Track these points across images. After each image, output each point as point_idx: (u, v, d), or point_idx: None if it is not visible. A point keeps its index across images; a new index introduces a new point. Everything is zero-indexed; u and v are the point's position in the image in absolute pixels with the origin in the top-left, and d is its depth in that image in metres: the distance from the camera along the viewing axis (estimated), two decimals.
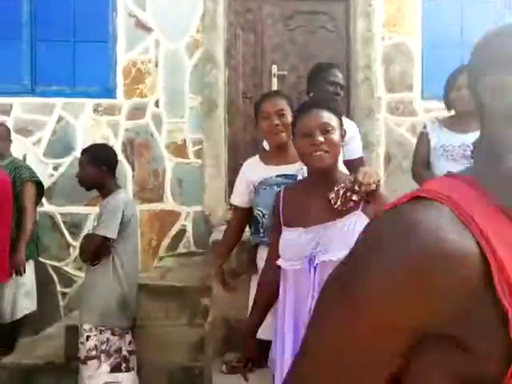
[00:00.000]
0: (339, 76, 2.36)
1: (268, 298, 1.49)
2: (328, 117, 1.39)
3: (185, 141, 3.45)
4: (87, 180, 2.19)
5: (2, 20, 3.41)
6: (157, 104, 3.43)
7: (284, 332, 1.36)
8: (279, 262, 1.39)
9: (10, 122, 3.27)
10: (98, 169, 2.15)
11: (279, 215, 1.45)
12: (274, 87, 3.58)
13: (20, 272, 2.74)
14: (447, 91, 2.31)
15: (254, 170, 1.90)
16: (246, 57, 3.61)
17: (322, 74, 2.33)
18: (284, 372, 1.37)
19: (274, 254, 1.47)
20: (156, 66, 3.43)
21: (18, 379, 2.48)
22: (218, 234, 2.77)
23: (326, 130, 1.37)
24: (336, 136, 1.39)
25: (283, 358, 1.35)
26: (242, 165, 3.53)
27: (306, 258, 1.32)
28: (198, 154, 3.45)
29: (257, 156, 2.01)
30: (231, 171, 3.56)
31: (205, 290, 2.53)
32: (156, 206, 3.42)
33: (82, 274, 3.37)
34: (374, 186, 1.36)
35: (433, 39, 3.56)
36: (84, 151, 2.24)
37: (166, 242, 3.45)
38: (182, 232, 3.46)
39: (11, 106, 3.38)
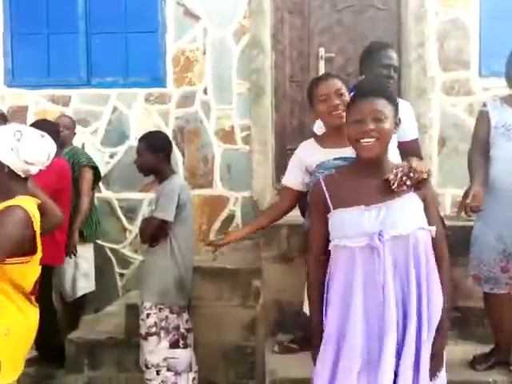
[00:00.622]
0: (393, 57, 2.27)
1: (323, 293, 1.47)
2: (383, 105, 1.37)
3: (233, 127, 3.49)
4: (144, 166, 2.28)
5: (59, 14, 3.59)
6: (205, 91, 3.49)
7: (350, 305, 1.36)
8: (339, 242, 1.39)
9: (69, 113, 3.46)
10: (155, 155, 2.24)
11: (325, 202, 1.44)
12: (322, 70, 3.52)
13: (72, 253, 2.85)
14: (509, 67, 2.16)
15: (310, 153, 1.89)
16: (293, 40, 3.57)
17: (375, 56, 2.25)
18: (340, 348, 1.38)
19: (317, 247, 1.48)
20: (204, 53, 3.48)
21: (83, 353, 2.68)
22: None
23: (378, 118, 1.36)
24: (388, 125, 1.37)
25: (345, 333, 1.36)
26: (289, 150, 3.59)
27: (374, 234, 1.32)
28: (246, 140, 3.49)
29: (312, 139, 1.99)
30: (278, 156, 3.58)
31: (256, 273, 2.58)
32: (206, 192, 3.51)
33: (138, 257, 3.58)
34: (426, 174, 1.41)
35: (491, 10, 3.33)
36: (141, 139, 2.32)
37: (216, 226, 3.54)
38: (231, 217, 3.54)
39: (70, 97, 3.57)
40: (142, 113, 3.54)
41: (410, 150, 2.05)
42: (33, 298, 1.58)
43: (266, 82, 3.44)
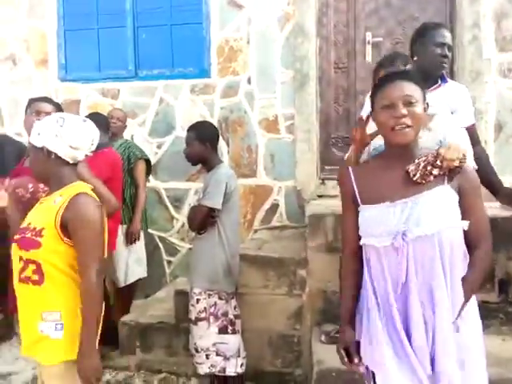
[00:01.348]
0: (447, 36, 2.15)
1: (356, 287, 1.43)
2: (412, 88, 1.30)
3: (276, 116, 3.48)
4: (193, 155, 2.33)
5: (108, 10, 3.70)
6: (249, 81, 3.49)
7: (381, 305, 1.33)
8: (366, 241, 1.35)
9: (118, 106, 3.58)
10: (203, 145, 2.28)
11: (354, 195, 1.39)
12: (369, 55, 3.42)
13: (134, 240, 3.02)
14: None
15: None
16: (338, 25, 3.48)
17: (428, 35, 2.14)
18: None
19: (351, 238, 1.42)
20: (248, 42, 3.47)
21: (135, 335, 2.80)
22: (313, 208, 2.80)
23: (409, 102, 1.28)
24: (419, 109, 1.30)
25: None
26: (334, 138, 3.53)
27: (397, 234, 1.27)
28: (290, 129, 3.46)
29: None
30: (323, 145, 3.53)
31: (301, 262, 2.58)
32: (250, 181, 3.53)
33: (185, 244, 3.68)
34: (458, 162, 1.28)
35: None
36: (190, 129, 2.37)
37: (260, 215, 3.56)
38: (275, 206, 3.54)
39: (119, 90, 3.69)
40: (187, 104, 3.60)
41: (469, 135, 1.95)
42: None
43: (310, 69, 3.39)
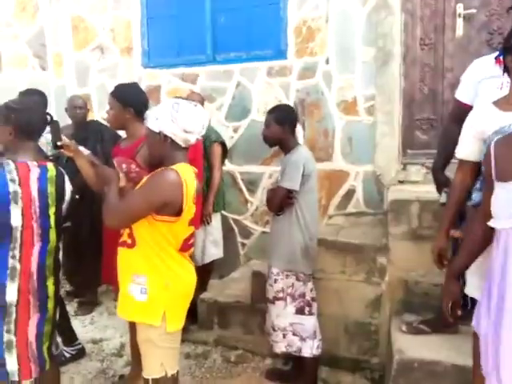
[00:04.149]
0: None
1: (476, 250, 1.42)
2: None
3: (355, 97, 3.35)
4: (270, 137, 2.32)
5: None
6: (327, 61, 3.39)
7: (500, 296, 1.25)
8: (494, 224, 1.25)
9: (197, 90, 3.66)
10: (281, 127, 2.26)
11: (490, 170, 1.30)
12: (459, 29, 3.15)
13: (207, 221, 3.09)
14: None
15: (487, 117, 1.65)
16: None
17: None
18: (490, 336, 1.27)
19: (485, 212, 1.34)
20: (326, 21, 3.36)
21: (213, 312, 2.90)
22: (395, 194, 2.67)
23: None
24: None
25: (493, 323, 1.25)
26: (418, 120, 3.32)
27: None
28: (370, 111, 3.31)
29: (490, 102, 1.72)
30: (406, 128, 3.34)
31: (381, 249, 2.48)
32: (325, 166, 3.45)
33: (259, 227, 3.72)
34: None
35: None
36: (269, 111, 2.36)
37: (336, 201, 3.48)
38: (352, 192, 3.44)
39: (197, 75, 3.78)
40: (263, 87, 3.59)
41: None
42: (187, 255, 1.74)
43: (393, 46, 3.20)
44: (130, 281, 1.64)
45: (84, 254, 3.17)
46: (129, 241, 1.65)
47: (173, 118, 1.60)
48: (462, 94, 2.06)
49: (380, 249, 2.49)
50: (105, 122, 3.58)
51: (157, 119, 1.61)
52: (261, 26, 3.59)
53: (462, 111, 1.96)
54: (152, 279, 1.61)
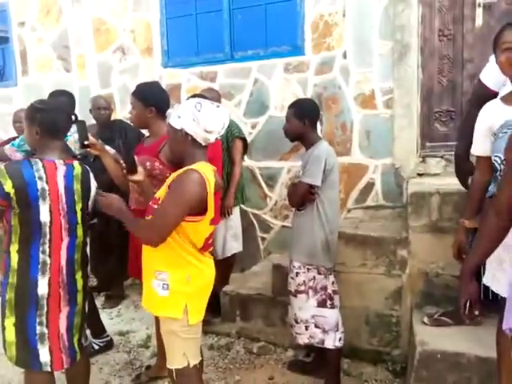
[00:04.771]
0: None
1: (490, 246, 1.40)
2: None
3: (373, 91, 3.34)
4: (291, 132, 2.34)
5: None
6: (344, 55, 3.39)
7: None
8: None
9: (215, 88, 3.72)
10: (301, 122, 2.28)
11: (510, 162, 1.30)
12: (479, 19, 3.11)
13: (228, 213, 3.13)
14: None
15: (494, 112, 1.68)
16: None
17: None
18: None
19: (500, 206, 1.34)
20: (343, 15, 3.36)
21: (236, 305, 2.97)
22: (415, 186, 2.66)
23: None
24: None
25: None
26: (437, 113, 3.30)
27: None
28: (388, 104, 3.31)
29: (498, 98, 1.77)
30: (424, 121, 3.32)
31: (401, 242, 2.49)
32: (344, 160, 3.45)
33: (278, 222, 3.76)
34: None
35: None
36: (290, 106, 2.37)
37: (354, 194, 3.49)
38: (370, 185, 3.44)
39: (216, 73, 3.83)
40: (281, 83, 3.62)
41: None
42: (206, 253, 1.79)
43: (411, 39, 3.18)
44: (152, 277, 1.70)
45: (110, 249, 3.28)
46: None
47: (194, 117, 1.64)
48: (488, 78, 2.02)
49: (400, 241, 2.50)
50: (128, 121, 3.69)
51: (179, 117, 1.66)
52: (278, 22, 3.62)
53: (485, 94, 1.95)
54: (173, 275, 1.66)
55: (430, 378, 2.03)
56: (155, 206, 1.69)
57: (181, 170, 1.68)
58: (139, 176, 1.93)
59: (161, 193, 1.73)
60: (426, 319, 2.23)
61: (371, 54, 3.31)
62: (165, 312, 1.70)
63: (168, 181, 1.72)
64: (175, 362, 1.73)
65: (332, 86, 3.46)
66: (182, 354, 1.71)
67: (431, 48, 3.24)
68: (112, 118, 3.63)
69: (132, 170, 1.93)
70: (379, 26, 3.26)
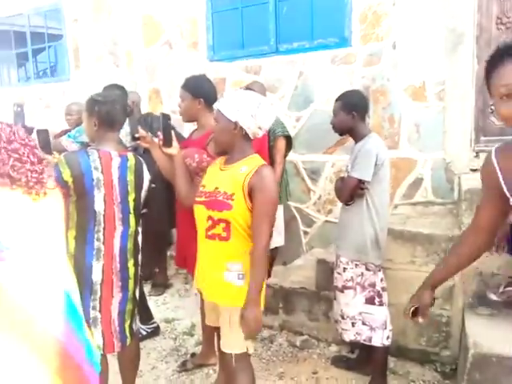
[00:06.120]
0: None
1: (461, 265, 1.42)
2: None
3: (424, 83, 3.22)
4: (339, 126, 2.29)
5: None
6: (394, 46, 3.28)
7: None
8: None
9: (260, 81, 3.70)
10: (349, 115, 2.23)
11: (498, 184, 1.21)
12: None
13: None
14: None
15: None
16: None
17: None
18: None
19: (480, 220, 1.32)
20: (393, 4, 3.25)
21: (279, 297, 2.96)
22: (469, 182, 2.55)
23: None
24: None
25: None
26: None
27: None
28: (440, 96, 3.17)
29: None
30: (479, 113, 3.16)
31: (452, 240, 2.39)
32: (392, 154, 3.32)
33: (321, 216, 3.71)
34: None
35: None
36: (337, 99, 2.33)
37: (402, 190, 3.39)
38: (419, 181, 3.33)
39: (260, 66, 3.83)
40: (326, 75, 3.56)
41: None
42: None
43: (466, 27, 3.03)
44: (223, 269, 1.69)
45: (157, 240, 3.37)
46: (223, 234, 1.68)
47: (253, 113, 1.65)
48: None
49: (453, 239, 2.40)
50: (173, 114, 3.75)
51: (238, 110, 1.66)
52: (324, 14, 3.55)
53: None
54: (246, 265, 1.67)
55: (483, 382, 1.94)
56: (225, 200, 1.66)
57: (258, 166, 1.66)
58: (173, 150, 1.97)
59: (224, 184, 1.71)
60: (492, 296, 2.16)
61: (422, 43, 3.18)
62: (241, 301, 1.66)
63: (236, 174, 1.69)
64: (237, 347, 1.73)
65: (380, 77, 3.36)
66: (243, 340, 1.71)
67: (488, 37, 3.07)
68: (158, 112, 3.70)
69: (168, 142, 1.97)
70: (431, 15, 3.13)
